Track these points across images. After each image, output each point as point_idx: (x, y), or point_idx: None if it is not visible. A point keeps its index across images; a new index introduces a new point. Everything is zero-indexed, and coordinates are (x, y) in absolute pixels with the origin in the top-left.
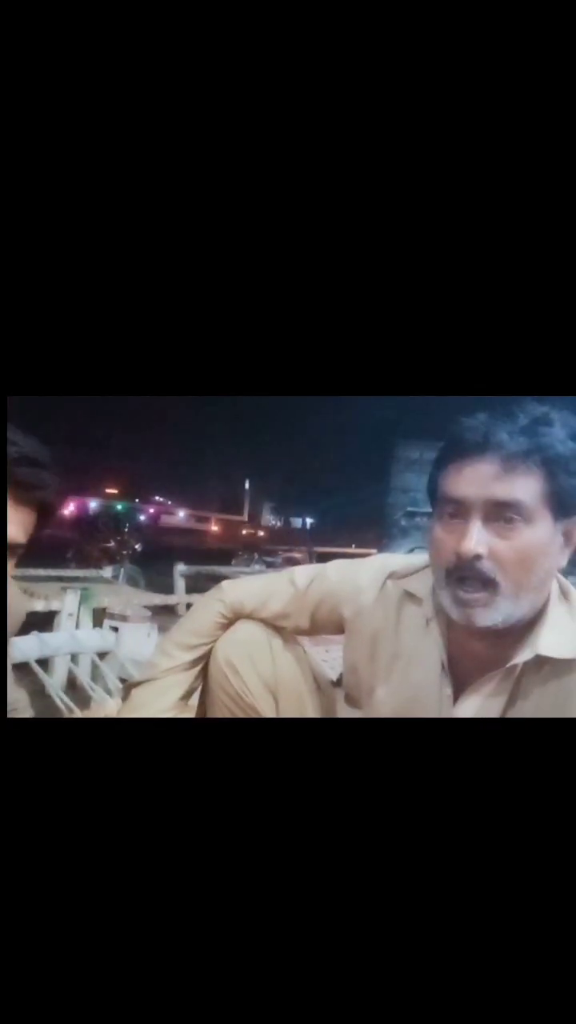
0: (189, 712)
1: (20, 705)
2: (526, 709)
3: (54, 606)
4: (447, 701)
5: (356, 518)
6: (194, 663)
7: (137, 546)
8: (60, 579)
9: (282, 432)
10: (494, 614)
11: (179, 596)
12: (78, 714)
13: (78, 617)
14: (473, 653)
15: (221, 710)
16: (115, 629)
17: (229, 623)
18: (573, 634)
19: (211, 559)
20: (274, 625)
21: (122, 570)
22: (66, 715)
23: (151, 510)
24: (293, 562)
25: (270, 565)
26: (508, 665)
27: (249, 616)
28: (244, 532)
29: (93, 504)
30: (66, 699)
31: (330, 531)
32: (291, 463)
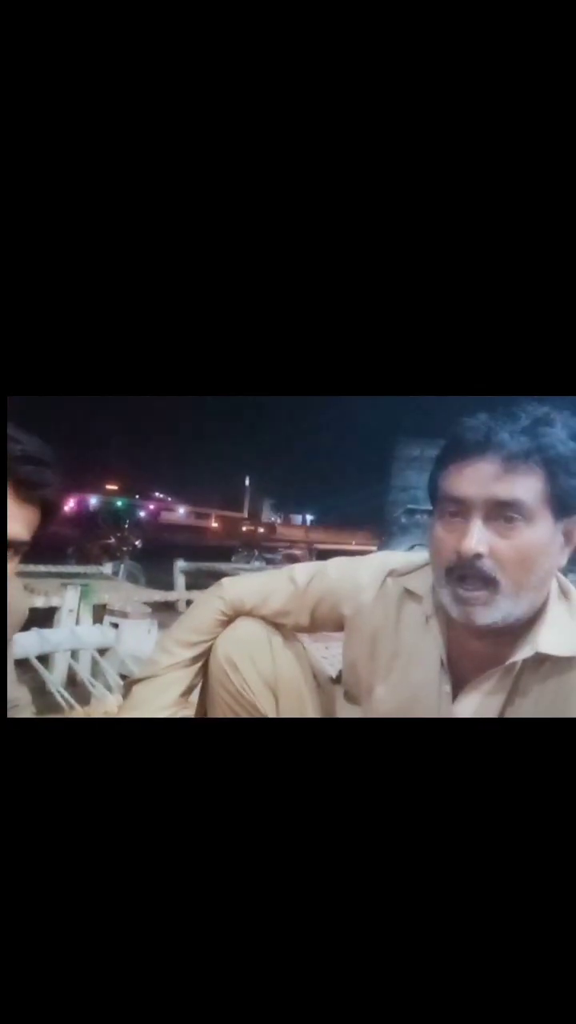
0: (189, 709)
1: (21, 702)
2: (525, 707)
3: (54, 602)
4: (446, 698)
5: (356, 515)
6: (194, 660)
7: (137, 542)
8: (60, 575)
9: (282, 429)
10: (494, 612)
11: (179, 592)
12: (78, 710)
13: (78, 613)
14: (472, 651)
15: (221, 707)
16: (115, 625)
17: (229, 620)
18: (572, 632)
19: (211, 555)
20: (274, 622)
21: (122, 566)
22: (66, 711)
23: (151, 506)
24: (293, 559)
25: (270, 562)
26: (507, 663)
27: (249, 613)
28: (244, 529)
29: (93, 501)
30: (66, 695)
31: (330, 528)
32: (291, 460)
